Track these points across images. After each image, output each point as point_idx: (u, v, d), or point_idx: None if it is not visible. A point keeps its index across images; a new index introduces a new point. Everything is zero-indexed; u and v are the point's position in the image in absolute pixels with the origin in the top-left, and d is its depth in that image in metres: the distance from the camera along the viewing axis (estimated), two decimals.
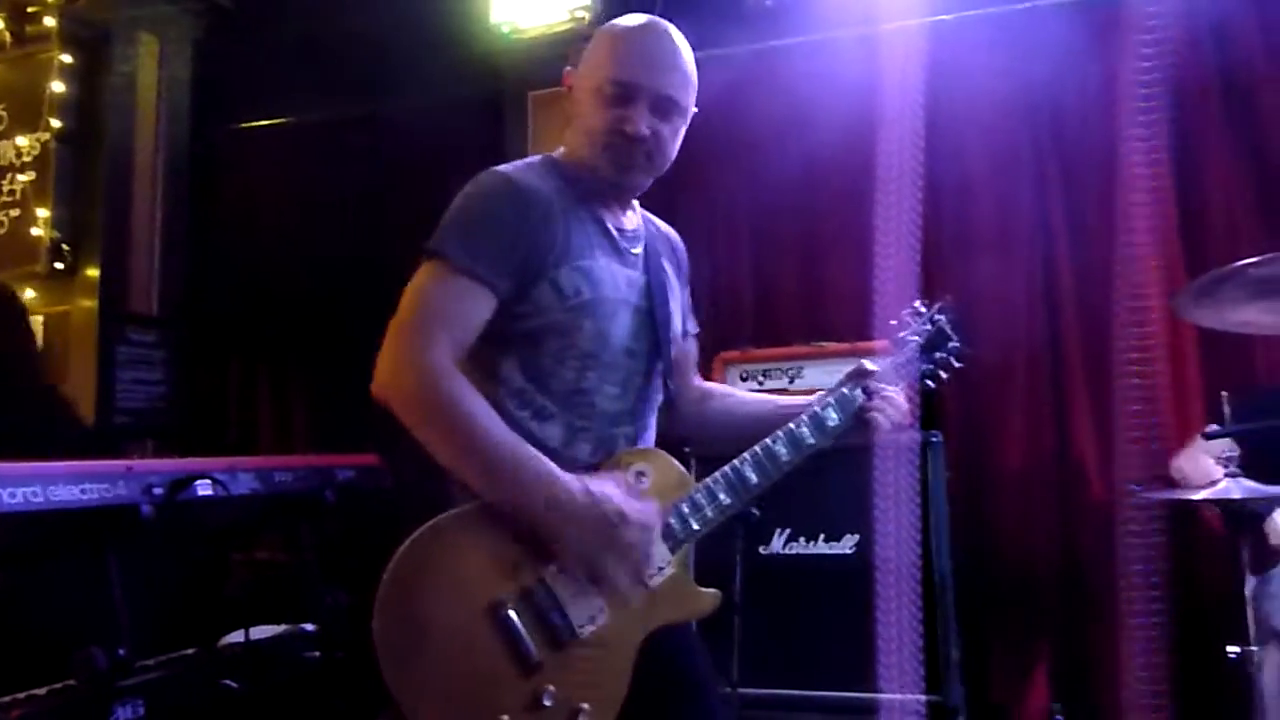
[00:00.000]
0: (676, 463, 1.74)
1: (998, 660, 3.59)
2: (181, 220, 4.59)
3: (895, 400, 1.84)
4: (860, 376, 1.85)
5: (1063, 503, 3.53)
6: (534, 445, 1.61)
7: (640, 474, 1.69)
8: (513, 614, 1.54)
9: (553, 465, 1.58)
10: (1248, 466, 2.76)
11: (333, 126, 4.60)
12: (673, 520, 1.68)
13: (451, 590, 1.54)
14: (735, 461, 1.75)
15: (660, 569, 1.66)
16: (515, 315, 1.66)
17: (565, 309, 1.67)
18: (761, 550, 3.23)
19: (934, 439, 3.18)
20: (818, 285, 3.87)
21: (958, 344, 1.95)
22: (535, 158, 1.79)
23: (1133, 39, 3.53)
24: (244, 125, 4.82)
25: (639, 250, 1.80)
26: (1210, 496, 2.32)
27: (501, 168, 1.72)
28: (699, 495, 1.71)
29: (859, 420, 1.82)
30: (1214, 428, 2.43)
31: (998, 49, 3.74)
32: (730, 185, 4.00)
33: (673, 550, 1.68)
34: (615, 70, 1.69)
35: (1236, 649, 2.32)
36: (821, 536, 3.21)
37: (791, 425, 1.78)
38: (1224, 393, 2.62)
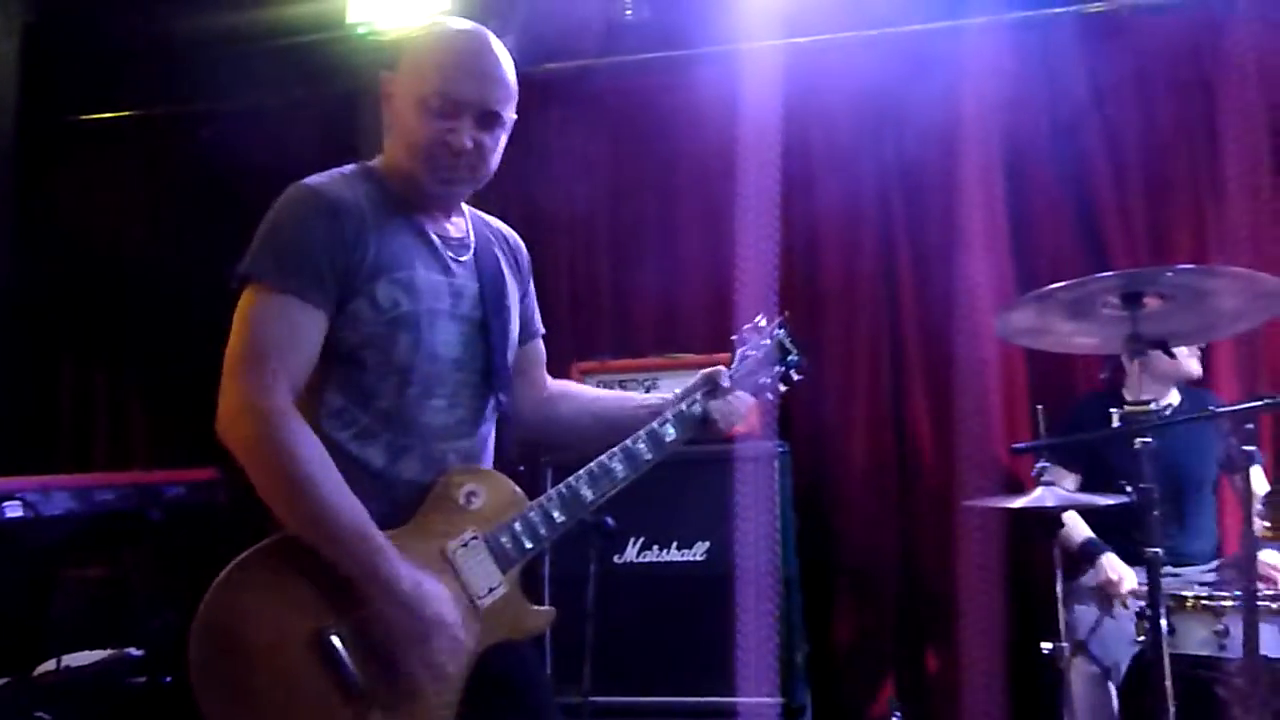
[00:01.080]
0: (509, 482, 1.74)
1: (846, 662, 3.72)
2: (7, 214, 4.28)
3: (737, 404, 1.87)
4: (703, 387, 1.88)
5: (903, 509, 3.69)
6: (356, 468, 1.58)
7: (471, 494, 1.69)
8: (336, 640, 1.51)
9: (385, 545, 1.53)
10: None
11: (176, 122, 4.39)
12: (504, 539, 1.68)
13: (272, 618, 1.50)
14: (571, 479, 1.76)
15: (491, 589, 1.65)
16: (333, 332, 1.62)
17: (382, 323, 1.63)
18: (616, 559, 3.26)
19: (780, 448, 3.27)
20: (676, 297, 3.92)
21: (796, 358, 2.00)
22: (349, 166, 1.74)
23: (975, 70, 3.75)
24: (81, 118, 4.55)
25: (467, 257, 1.78)
26: (1024, 504, 2.47)
27: (309, 180, 1.67)
28: (533, 514, 1.71)
29: (702, 424, 1.85)
30: (1019, 445, 2.59)
31: (854, 73, 3.87)
32: (590, 197, 4.01)
33: (504, 570, 1.67)
34: (441, 83, 1.65)
35: (1049, 645, 2.47)
36: (674, 544, 3.27)
37: (629, 441, 1.80)
38: (1039, 406, 2.79)
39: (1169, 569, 2.67)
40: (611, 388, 3.50)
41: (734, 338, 2.02)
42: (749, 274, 3.88)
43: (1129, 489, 2.04)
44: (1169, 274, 2.04)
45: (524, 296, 1.93)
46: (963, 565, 3.51)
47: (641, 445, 1.80)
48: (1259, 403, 2.00)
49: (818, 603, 3.61)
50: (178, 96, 4.38)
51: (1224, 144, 3.58)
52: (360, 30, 4.06)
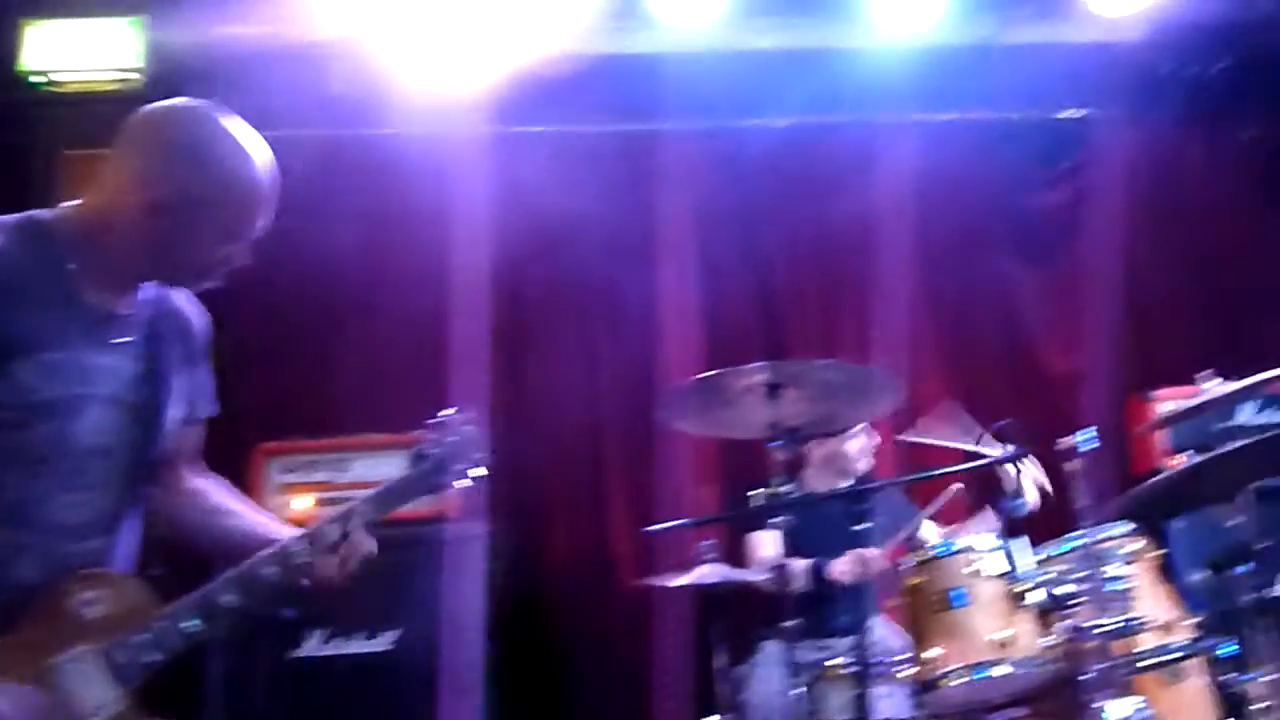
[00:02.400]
0: (138, 587, 1.60)
1: None
2: None
3: (354, 549, 1.76)
4: (315, 538, 1.73)
5: (600, 590, 3.74)
6: None
7: (90, 602, 1.54)
8: None
9: None
10: None
11: None
12: (122, 654, 1.53)
13: None
14: (212, 584, 1.64)
15: (100, 709, 1.50)
16: None
17: (15, 408, 1.49)
18: (293, 654, 3.07)
19: (477, 532, 3.25)
20: (380, 375, 3.84)
21: (480, 457, 1.96)
22: (16, 217, 1.59)
23: (670, 170, 4.02)
24: None
25: (131, 337, 1.66)
26: (691, 581, 2.59)
27: None
28: (160, 624, 1.58)
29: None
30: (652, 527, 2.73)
31: (558, 165, 4.02)
32: (290, 268, 3.86)
33: (122, 686, 1.52)
34: (251, 221, 1.66)
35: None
36: (360, 634, 3.13)
37: (254, 562, 1.67)
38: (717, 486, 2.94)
39: (818, 641, 2.86)
40: (300, 469, 3.35)
41: (415, 434, 1.96)
42: (458, 353, 3.89)
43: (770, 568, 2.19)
44: (795, 368, 2.25)
45: (192, 375, 1.80)
46: (655, 645, 3.62)
47: (269, 570, 1.67)
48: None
49: (522, 686, 3.56)
50: None
51: (880, 250, 4.04)
52: (35, 80, 3.76)
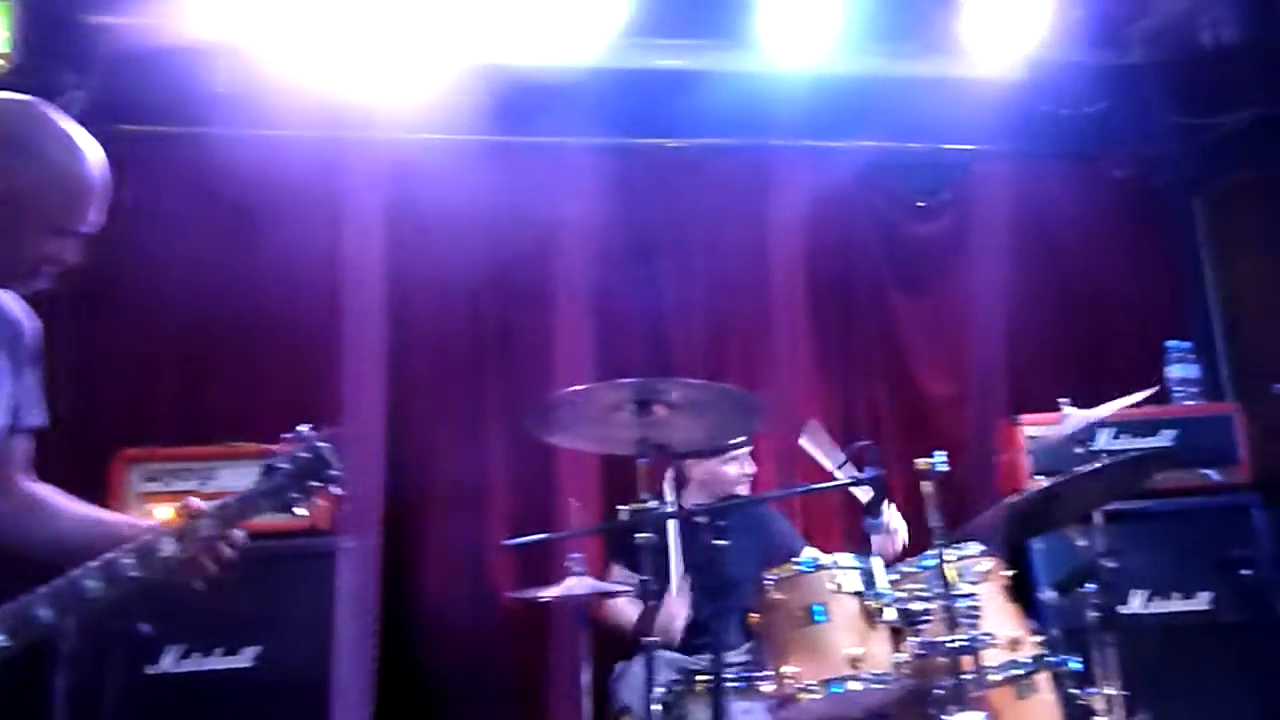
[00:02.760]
0: None
1: None
2: None
3: (209, 558, 1.73)
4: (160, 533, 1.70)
5: (478, 608, 3.68)
6: None
7: None
8: None
9: None
10: None
11: None
12: None
13: None
14: (26, 597, 1.56)
15: None
16: None
17: None
18: (149, 670, 2.95)
19: (344, 545, 3.18)
20: (252, 385, 3.73)
21: (336, 473, 1.90)
22: None
23: (564, 183, 4.02)
24: None
25: None
26: (559, 594, 2.58)
27: None
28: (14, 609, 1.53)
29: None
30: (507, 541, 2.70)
31: (457, 176, 3.97)
32: (161, 273, 3.73)
33: None
34: (81, 216, 1.62)
35: None
36: (220, 650, 3.02)
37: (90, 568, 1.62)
38: (572, 501, 2.93)
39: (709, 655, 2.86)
40: (163, 478, 3.23)
41: (271, 447, 1.91)
42: (349, 364, 3.81)
43: (638, 578, 2.20)
44: (664, 385, 2.27)
45: (17, 382, 1.71)
46: (540, 659, 3.58)
47: (92, 582, 1.61)
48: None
49: (398, 705, 3.48)
50: None
51: (771, 278, 4.11)
52: None
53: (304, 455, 1.84)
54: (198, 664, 3.01)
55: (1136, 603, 3.51)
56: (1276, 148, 4.13)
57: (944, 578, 2.29)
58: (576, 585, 2.58)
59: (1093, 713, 2.70)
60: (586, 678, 2.60)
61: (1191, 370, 3.86)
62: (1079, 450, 2.99)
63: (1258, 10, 3.90)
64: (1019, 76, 4.20)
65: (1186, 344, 3.92)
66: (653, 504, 2.30)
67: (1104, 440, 3.64)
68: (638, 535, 2.24)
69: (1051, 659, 2.76)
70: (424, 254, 3.94)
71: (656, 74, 3.99)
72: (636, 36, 3.82)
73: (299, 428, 1.91)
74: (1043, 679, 2.73)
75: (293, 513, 1.85)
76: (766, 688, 2.38)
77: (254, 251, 3.80)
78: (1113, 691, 2.71)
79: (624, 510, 2.32)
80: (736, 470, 3.32)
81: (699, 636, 2.89)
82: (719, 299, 4.09)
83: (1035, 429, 3.57)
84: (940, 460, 2.33)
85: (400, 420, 3.76)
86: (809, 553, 3.11)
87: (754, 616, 2.48)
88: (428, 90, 3.77)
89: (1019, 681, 2.51)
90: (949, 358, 4.17)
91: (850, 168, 4.26)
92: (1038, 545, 3.42)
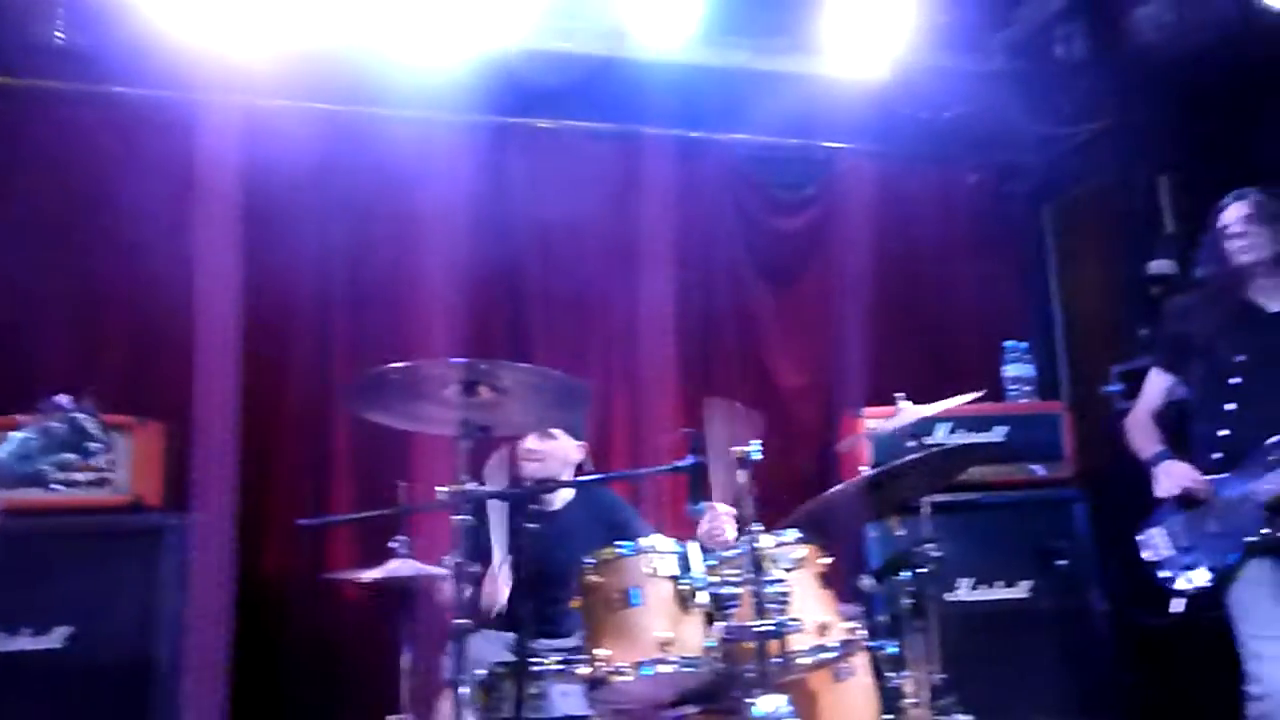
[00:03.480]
0: None
1: None
2: None
3: None
4: None
5: (319, 589, 3.60)
6: None
7: None
8: None
9: None
10: None
11: None
12: None
13: None
14: None
15: None
16: None
17: None
18: None
19: (177, 522, 3.07)
20: (93, 355, 3.56)
21: (96, 445, 1.81)
22: None
23: (427, 157, 3.95)
24: None
25: None
26: (380, 576, 2.55)
27: None
28: None
29: None
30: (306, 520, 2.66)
31: (313, 143, 3.87)
32: None
33: None
34: None
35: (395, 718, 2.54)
36: (28, 630, 2.89)
37: None
38: (400, 482, 2.88)
39: (542, 641, 2.86)
40: None
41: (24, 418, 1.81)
42: (201, 337, 3.67)
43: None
44: (490, 367, 2.25)
45: None
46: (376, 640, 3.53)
47: None
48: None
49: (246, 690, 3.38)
50: None
51: (636, 264, 4.13)
52: None
53: (57, 426, 1.76)
54: (6, 644, 2.87)
55: (963, 590, 3.68)
56: (1119, 160, 4.35)
57: (756, 563, 2.34)
58: (400, 567, 2.55)
59: (903, 695, 2.81)
60: (407, 659, 2.58)
61: (1026, 370, 4.04)
62: (912, 443, 3.09)
63: (1107, 28, 4.07)
64: (883, 78, 4.31)
65: (1023, 344, 4.10)
66: (471, 486, 2.29)
67: (941, 434, 3.79)
68: (455, 517, 2.22)
69: (870, 644, 2.87)
70: (279, 225, 3.83)
71: (530, 54, 3.95)
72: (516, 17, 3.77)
73: (56, 398, 1.84)
74: (861, 663, 2.84)
75: (49, 488, 1.77)
76: (582, 670, 2.39)
77: (95, 215, 3.64)
78: (923, 675, 2.82)
79: (442, 491, 2.30)
80: (529, 449, 3.10)
81: (525, 620, 2.88)
82: (581, 282, 4.09)
83: (874, 421, 3.69)
84: (755, 449, 2.38)
85: (252, 394, 3.65)
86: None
87: (576, 601, 2.49)
88: (286, 55, 3.66)
89: (830, 665, 2.59)
90: (805, 349, 4.27)
91: (718, 159, 4.31)
92: (871, 533, 3.54)
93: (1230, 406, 2.84)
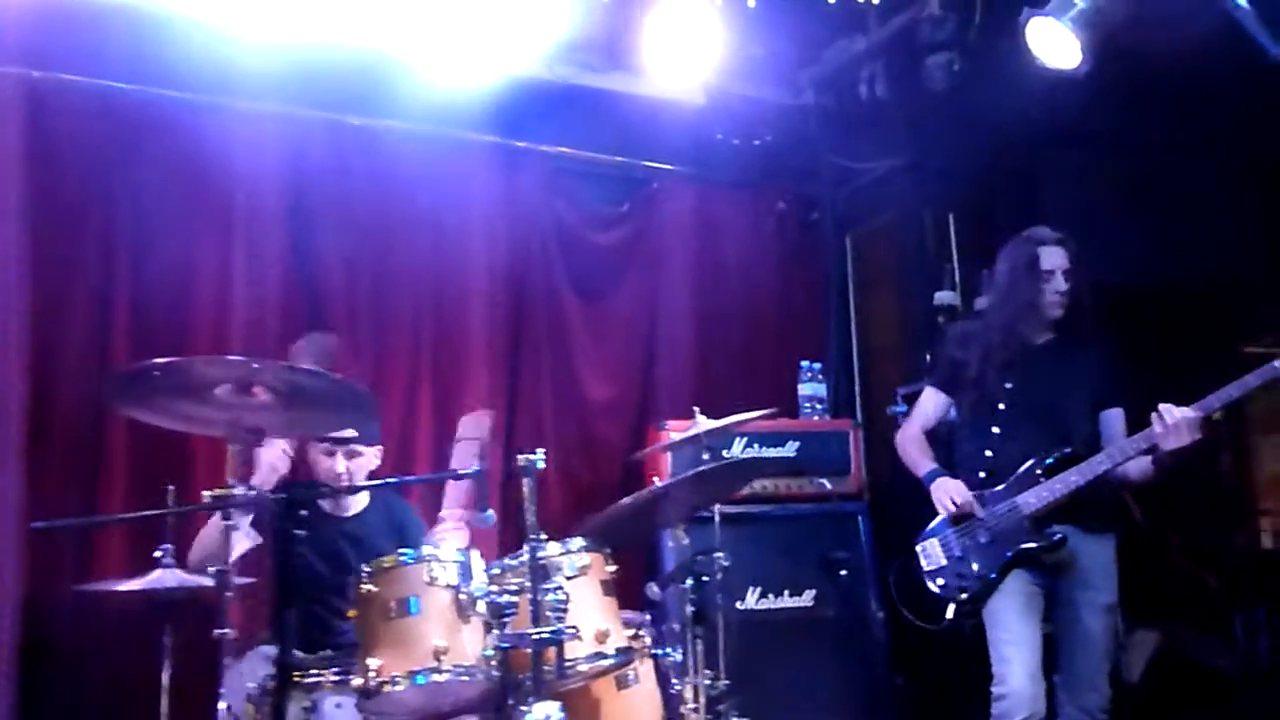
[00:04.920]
0: None
1: None
2: None
3: None
4: None
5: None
6: None
7: None
8: None
9: None
10: None
11: None
12: None
13: None
14: None
15: None
16: None
17: None
18: None
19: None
20: None
21: None
22: None
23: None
24: None
25: None
26: (139, 587, 2.41)
27: None
28: None
29: None
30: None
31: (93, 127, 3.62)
32: None
33: None
34: None
35: None
36: None
37: None
38: (170, 486, 2.72)
39: (327, 651, 2.76)
40: None
41: None
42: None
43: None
44: (264, 367, 2.17)
45: None
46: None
47: None
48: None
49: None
50: None
51: (448, 271, 4.07)
52: None
53: None
54: None
55: (752, 598, 3.82)
56: (911, 195, 4.65)
57: (536, 572, 2.35)
58: (163, 577, 2.41)
59: (683, 701, 2.89)
60: (166, 676, 2.44)
61: (820, 389, 4.26)
62: (707, 456, 3.19)
63: (905, 71, 4.35)
64: (699, 103, 4.46)
65: (816, 365, 4.32)
66: (238, 490, 2.19)
67: (738, 448, 3.93)
68: (224, 522, 2.12)
69: (654, 651, 2.94)
70: (65, 205, 3.55)
71: (348, 53, 3.85)
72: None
73: None
74: (646, 670, 2.90)
75: None
76: (355, 681, 2.34)
77: None
78: (702, 681, 2.91)
79: (207, 495, 2.20)
80: (329, 465, 3.06)
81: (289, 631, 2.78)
82: (389, 286, 4.00)
83: (675, 434, 3.79)
84: (538, 458, 2.39)
85: (40, 386, 3.36)
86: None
87: (350, 612, 2.43)
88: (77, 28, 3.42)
89: (610, 673, 2.64)
90: (613, 362, 4.33)
91: (535, 169, 4.32)
92: (667, 543, 3.62)
93: (996, 430, 3.04)
